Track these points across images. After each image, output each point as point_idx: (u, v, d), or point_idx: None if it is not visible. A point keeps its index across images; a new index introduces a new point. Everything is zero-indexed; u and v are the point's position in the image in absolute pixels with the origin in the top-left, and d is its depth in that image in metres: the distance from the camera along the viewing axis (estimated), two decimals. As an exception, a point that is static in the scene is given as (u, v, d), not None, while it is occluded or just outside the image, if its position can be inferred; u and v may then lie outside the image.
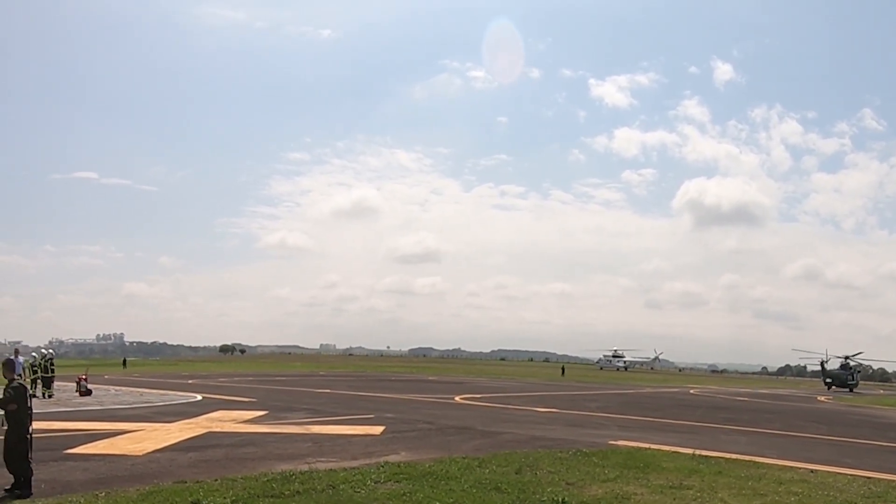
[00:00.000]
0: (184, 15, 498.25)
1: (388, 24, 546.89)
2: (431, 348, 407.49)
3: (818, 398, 72.14)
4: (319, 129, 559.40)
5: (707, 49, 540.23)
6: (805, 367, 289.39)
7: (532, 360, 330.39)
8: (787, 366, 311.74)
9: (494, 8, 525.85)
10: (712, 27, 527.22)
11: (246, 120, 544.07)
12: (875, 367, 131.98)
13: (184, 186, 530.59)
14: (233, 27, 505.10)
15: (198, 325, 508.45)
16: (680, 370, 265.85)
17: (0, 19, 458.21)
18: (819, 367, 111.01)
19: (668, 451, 20.15)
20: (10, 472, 12.79)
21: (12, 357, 27.51)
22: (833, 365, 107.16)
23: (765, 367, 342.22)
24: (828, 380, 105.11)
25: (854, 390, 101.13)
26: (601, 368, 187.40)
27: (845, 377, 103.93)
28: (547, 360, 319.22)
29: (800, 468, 18.01)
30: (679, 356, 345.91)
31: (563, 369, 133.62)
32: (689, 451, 20.00)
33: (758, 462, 18.73)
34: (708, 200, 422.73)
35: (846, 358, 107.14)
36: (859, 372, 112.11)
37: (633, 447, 20.78)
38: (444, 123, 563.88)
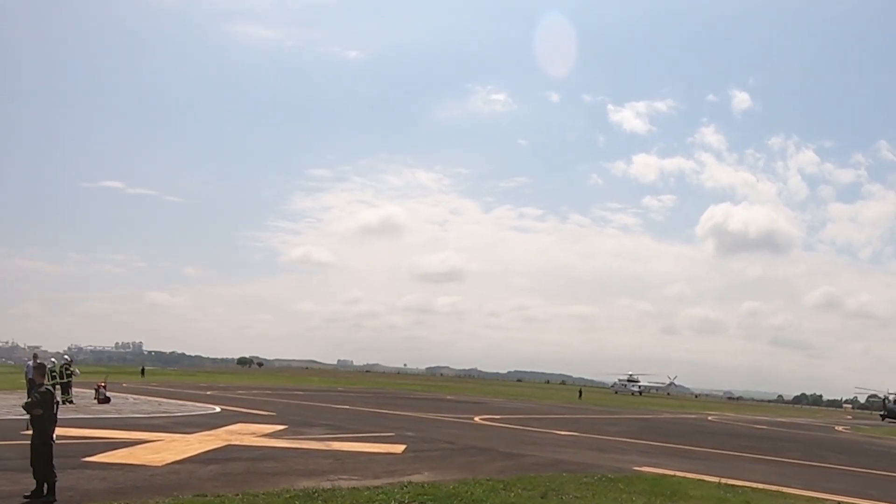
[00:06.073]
0: (217, 32, 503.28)
1: (412, 48, 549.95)
2: (448, 367, 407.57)
3: (835, 428, 71.64)
4: (341, 147, 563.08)
5: (725, 77, 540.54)
6: (821, 396, 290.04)
7: (548, 381, 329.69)
8: (803, 394, 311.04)
9: (516, 32, 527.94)
10: (730, 56, 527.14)
11: (271, 136, 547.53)
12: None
13: (209, 198, 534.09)
14: (264, 45, 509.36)
15: (217, 337, 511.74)
16: (696, 396, 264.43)
17: (38, 29, 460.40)
18: (881, 402, 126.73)
19: (693, 478, 19.85)
20: (35, 478, 12.68)
21: (42, 362, 27.54)
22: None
23: (780, 395, 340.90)
24: (882, 412, 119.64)
25: None
26: (616, 392, 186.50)
27: None
28: (563, 383, 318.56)
29: (826, 499, 17.71)
30: (695, 382, 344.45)
31: (580, 392, 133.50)
32: (715, 479, 19.63)
33: (784, 492, 18.45)
34: (733, 227, 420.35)
35: None
36: None
37: (657, 474, 20.42)
38: (465, 145, 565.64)
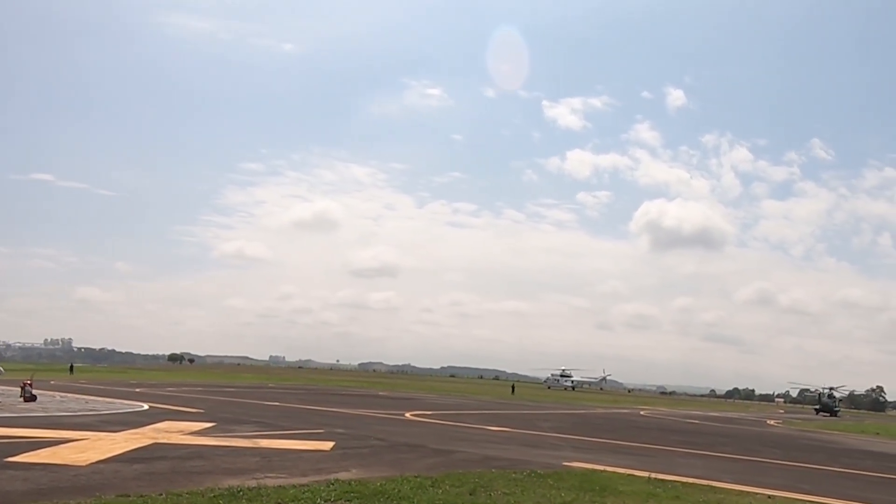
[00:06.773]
0: (150, 23, 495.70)
1: (347, 41, 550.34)
2: (381, 363, 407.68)
3: (768, 422, 72.95)
4: (275, 140, 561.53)
5: (660, 75, 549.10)
6: (753, 390, 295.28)
7: (482, 377, 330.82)
8: (736, 389, 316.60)
9: (452, 27, 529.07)
10: (665, 53, 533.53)
11: (203, 129, 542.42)
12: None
13: (140, 192, 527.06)
14: (198, 37, 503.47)
15: (148, 333, 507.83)
16: (629, 391, 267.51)
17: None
18: (815, 396, 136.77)
19: (623, 473, 19.90)
20: None
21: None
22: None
23: (713, 390, 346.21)
24: (817, 406, 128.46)
25: (837, 415, 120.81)
26: (549, 388, 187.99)
27: (832, 405, 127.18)
28: (497, 378, 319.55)
29: (757, 493, 17.90)
30: (628, 377, 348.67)
31: (513, 387, 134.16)
32: (645, 474, 19.75)
33: (715, 487, 18.56)
34: (667, 223, 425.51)
35: (831, 389, 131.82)
36: (841, 401, 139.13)
37: (587, 469, 20.52)
38: (399, 139, 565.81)
